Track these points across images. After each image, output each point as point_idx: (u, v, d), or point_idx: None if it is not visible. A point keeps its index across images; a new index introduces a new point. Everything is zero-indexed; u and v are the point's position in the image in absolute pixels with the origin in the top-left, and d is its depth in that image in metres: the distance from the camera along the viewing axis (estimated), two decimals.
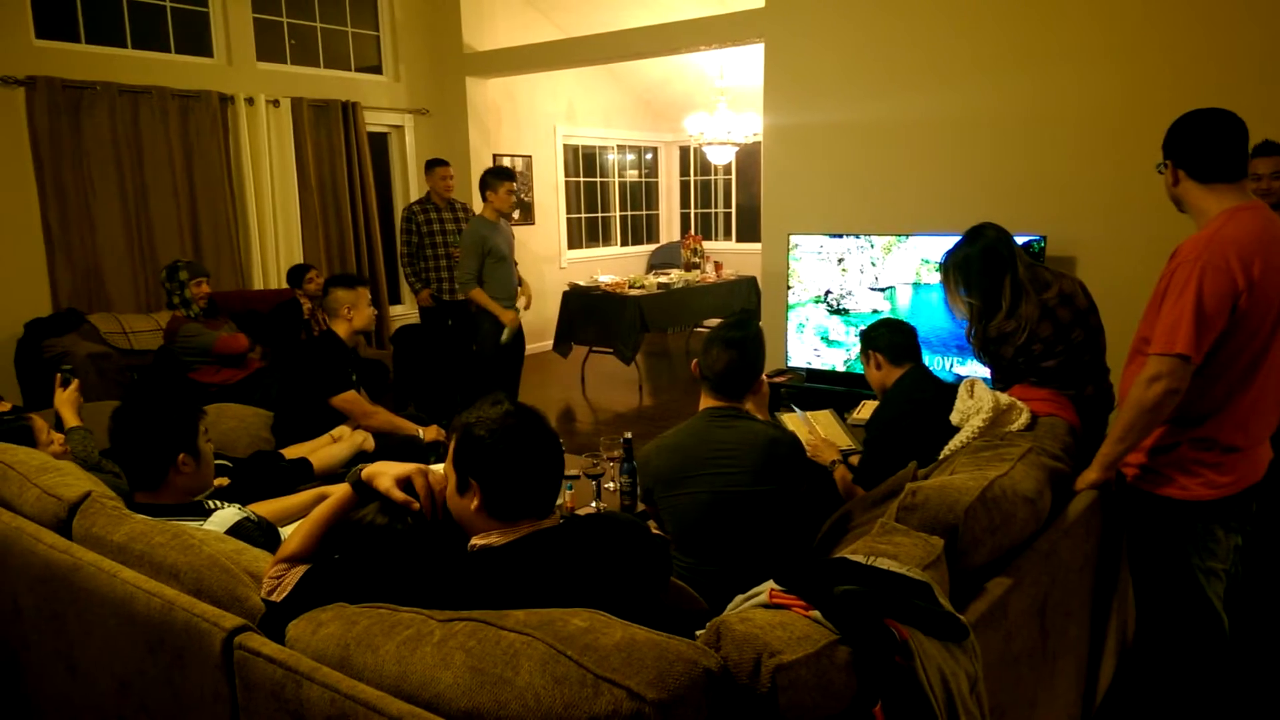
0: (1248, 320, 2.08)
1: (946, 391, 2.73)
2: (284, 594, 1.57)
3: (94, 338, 5.16)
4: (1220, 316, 2.05)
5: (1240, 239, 2.06)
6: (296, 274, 5.78)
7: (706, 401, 2.47)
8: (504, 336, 5.16)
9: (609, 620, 1.27)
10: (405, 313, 7.70)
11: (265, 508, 2.53)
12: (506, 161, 8.51)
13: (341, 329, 3.75)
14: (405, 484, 1.65)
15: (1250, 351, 2.12)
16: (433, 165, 6.11)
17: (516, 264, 5.53)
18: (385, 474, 1.66)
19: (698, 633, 1.38)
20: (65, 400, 3.02)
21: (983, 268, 2.73)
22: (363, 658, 1.35)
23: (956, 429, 2.54)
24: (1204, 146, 2.16)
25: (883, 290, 4.58)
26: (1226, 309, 2.05)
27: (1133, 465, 2.31)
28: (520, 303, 5.51)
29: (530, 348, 6.14)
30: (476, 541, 1.58)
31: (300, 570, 1.61)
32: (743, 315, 2.60)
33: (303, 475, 3.23)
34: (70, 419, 2.98)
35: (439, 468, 1.69)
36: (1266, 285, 2.07)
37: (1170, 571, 2.27)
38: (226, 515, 2.16)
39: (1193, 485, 2.19)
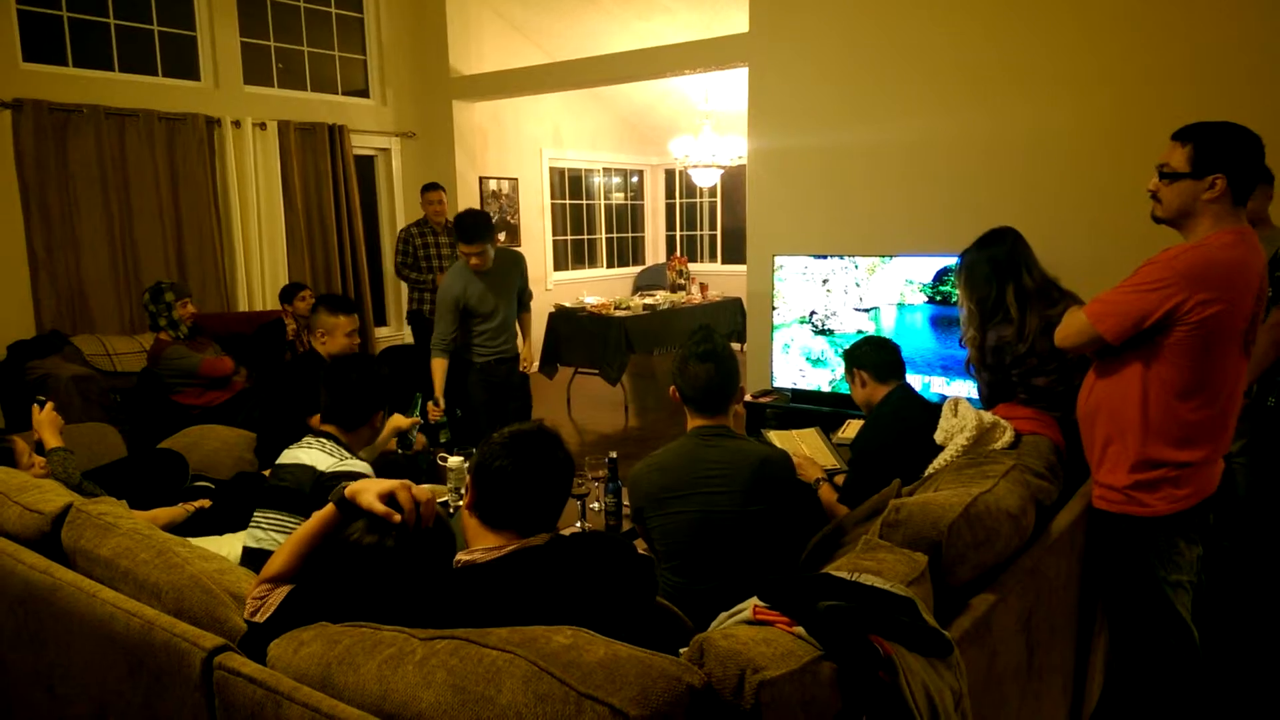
0: (1215, 349, 2.15)
1: (933, 412, 2.74)
2: (267, 614, 1.56)
3: (77, 360, 5.13)
4: (1145, 325, 2.15)
5: (1218, 274, 2.11)
6: (288, 293, 5.74)
7: (693, 422, 2.46)
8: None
9: (592, 637, 1.27)
10: (391, 335, 7.69)
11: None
12: (493, 184, 8.53)
13: (321, 348, 3.76)
14: (389, 499, 1.64)
15: (1220, 380, 2.20)
16: (426, 189, 6.12)
17: (517, 313, 4.97)
18: (368, 490, 1.65)
19: (682, 650, 1.37)
20: (44, 421, 2.99)
21: (988, 273, 2.79)
22: (344, 677, 1.34)
23: (941, 448, 2.55)
24: (1255, 168, 2.15)
25: (867, 311, 4.60)
26: (1154, 323, 2.14)
27: (1101, 491, 2.35)
28: (521, 366, 5.04)
29: None
30: (461, 557, 1.58)
31: (284, 590, 1.59)
32: (703, 331, 2.59)
33: None
34: (50, 440, 2.95)
35: (426, 487, 1.69)
36: (1233, 317, 2.14)
37: (1139, 588, 2.33)
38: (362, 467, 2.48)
39: (1153, 501, 2.25)
